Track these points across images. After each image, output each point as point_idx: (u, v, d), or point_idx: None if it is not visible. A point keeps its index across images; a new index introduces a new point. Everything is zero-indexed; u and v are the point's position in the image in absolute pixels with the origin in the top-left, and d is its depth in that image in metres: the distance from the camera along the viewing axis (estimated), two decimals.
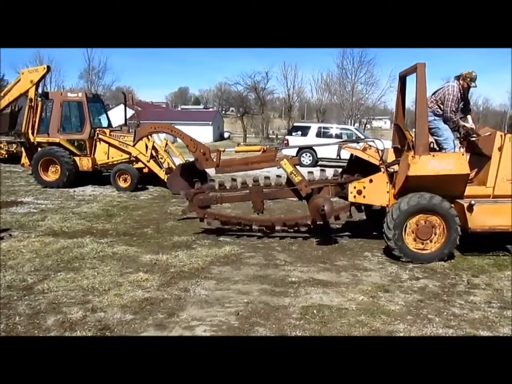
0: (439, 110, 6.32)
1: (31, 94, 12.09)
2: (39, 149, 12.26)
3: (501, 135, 5.97)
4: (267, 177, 7.09)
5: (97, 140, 12.40)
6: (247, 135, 50.80)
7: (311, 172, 7.10)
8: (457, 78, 6.33)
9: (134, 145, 11.05)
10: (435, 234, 5.79)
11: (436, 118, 6.30)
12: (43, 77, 12.58)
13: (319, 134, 20.78)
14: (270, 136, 52.79)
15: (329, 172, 7.13)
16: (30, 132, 12.21)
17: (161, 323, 4.00)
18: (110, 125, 13.60)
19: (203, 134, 42.78)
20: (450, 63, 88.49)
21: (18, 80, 12.24)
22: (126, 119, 13.82)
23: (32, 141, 12.27)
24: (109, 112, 14.88)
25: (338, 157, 18.23)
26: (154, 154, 12.04)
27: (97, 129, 12.49)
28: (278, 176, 7.05)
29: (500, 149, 5.94)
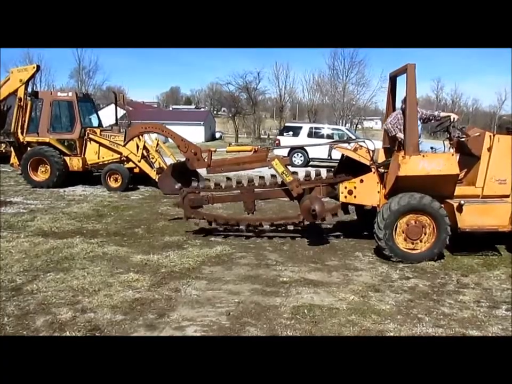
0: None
1: (21, 93, 11.99)
2: (29, 148, 12.16)
3: (490, 136, 6.03)
4: (262, 177, 7.12)
5: (88, 139, 12.33)
6: (239, 135, 50.68)
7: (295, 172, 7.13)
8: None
9: (124, 145, 11.00)
10: (425, 234, 5.83)
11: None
12: (32, 76, 12.50)
13: (310, 134, 20.85)
14: (261, 136, 52.71)
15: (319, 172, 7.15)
16: (19, 131, 12.11)
17: (151, 323, 3.98)
18: (100, 124, 13.52)
19: (194, 134, 42.67)
20: (438, 64, 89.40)
21: (8, 79, 12.12)
22: (117, 119, 13.75)
23: (21, 140, 12.17)
24: (99, 112, 14.81)
25: (329, 157, 18.26)
26: (145, 154, 12.00)
27: (88, 129, 12.42)
28: (261, 177, 7.07)
29: (489, 150, 5.99)
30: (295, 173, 6.98)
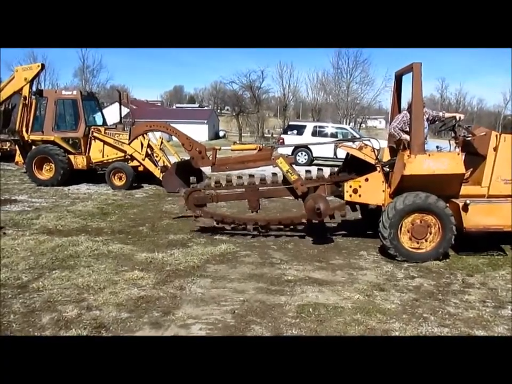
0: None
1: (25, 92, 12.01)
2: (33, 147, 12.18)
3: (496, 135, 6.00)
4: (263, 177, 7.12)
5: (92, 138, 12.34)
6: (242, 134, 50.72)
7: (308, 171, 7.12)
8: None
9: (129, 144, 11.02)
10: (430, 234, 5.81)
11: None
12: (37, 74, 12.50)
13: (314, 133, 20.84)
14: (265, 135, 52.74)
15: (325, 171, 7.14)
16: (24, 130, 12.14)
17: (156, 321, 3.99)
18: (105, 123, 13.54)
19: (198, 132, 42.60)
20: (443, 64, 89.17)
21: (12, 78, 12.15)
22: (121, 118, 13.79)
23: (26, 139, 12.19)
24: (103, 111, 14.81)
25: (335, 156, 18.24)
26: (149, 152, 12.02)
27: (92, 127, 12.43)
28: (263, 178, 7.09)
29: (495, 149, 5.97)
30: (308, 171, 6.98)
